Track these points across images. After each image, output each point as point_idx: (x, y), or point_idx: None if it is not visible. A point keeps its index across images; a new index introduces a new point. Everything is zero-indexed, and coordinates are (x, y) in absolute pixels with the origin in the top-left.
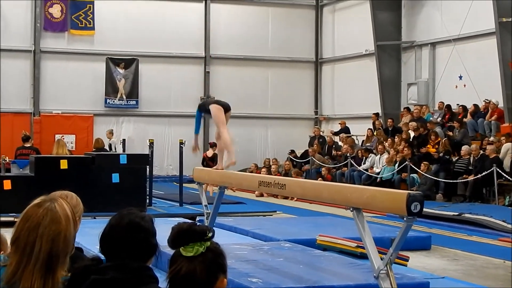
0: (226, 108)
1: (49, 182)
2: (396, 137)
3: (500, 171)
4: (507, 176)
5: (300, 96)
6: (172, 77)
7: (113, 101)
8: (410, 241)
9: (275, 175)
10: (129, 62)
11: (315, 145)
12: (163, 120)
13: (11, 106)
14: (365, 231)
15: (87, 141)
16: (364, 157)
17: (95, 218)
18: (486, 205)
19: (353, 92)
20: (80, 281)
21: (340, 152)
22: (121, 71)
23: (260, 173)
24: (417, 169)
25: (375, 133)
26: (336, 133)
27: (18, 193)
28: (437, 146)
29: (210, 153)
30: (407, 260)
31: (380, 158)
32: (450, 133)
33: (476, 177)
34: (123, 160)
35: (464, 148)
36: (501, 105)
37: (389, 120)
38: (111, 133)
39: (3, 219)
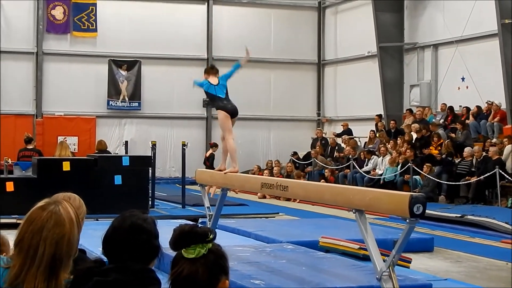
0: (233, 113)
1: (52, 184)
2: (398, 138)
3: (502, 172)
4: (509, 178)
5: (302, 98)
6: (175, 79)
7: (116, 103)
8: (412, 243)
9: (278, 177)
10: (131, 64)
11: (318, 147)
12: (166, 122)
13: (13, 108)
14: (368, 233)
15: (90, 143)
16: (366, 159)
17: (97, 220)
18: (489, 207)
19: (355, 94)
20: (82, 283)
21: (342, 154)
22: (124, 73)
23: (262, 174)
24: (420, 171)
25: (377, 135)
26: (338, 135)
27: (21, 195)
28: (439, 148)
29: (208, 153)
30: (410, 262)
31: (382, 160)
32: (453, 135)
33: (478, 178)
34: (125, 162)
35: (467, 149)
36: (503, 106)
37: (392, 122)
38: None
39: (6, 221)
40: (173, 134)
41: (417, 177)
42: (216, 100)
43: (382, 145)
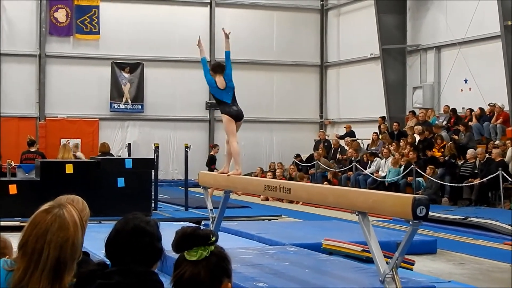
0: (237, 118)
1: (55, 186)
2: (401, 140)
3: (505, 174)
4: None
5: (305, 100)
6: (177, 81)
7: (118, 106)
8: (416, 245)
9: (280, 179)
10: (134, 66)
11: (320, 149)
12: (168, 124)
13: (16, 110)
14: (371, 235)
15: (93, 145)
16: (369, 161)
17: (100, 223)
18: (492, 208)
19: (358, 96)
20: (85, 286)
21: (345, 156)
22: (126, 75)
23: (265, 177)
24: (423, 173)
25: (380, 137)
26: (341, 137)
27: (24, 198)
28: (442, 150)
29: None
30: (413, 264)
31: (385, 162)
32: (456, 137)
33: (481, 180)
34: (128, 164)
35: (470, 151)
36: (506, 108)
37: (395, 124)
38: (76, 147)
39: (9, 223)
40: (176, 136)
41: (420, 179)
42: (222, 104)
43: (385, 147)
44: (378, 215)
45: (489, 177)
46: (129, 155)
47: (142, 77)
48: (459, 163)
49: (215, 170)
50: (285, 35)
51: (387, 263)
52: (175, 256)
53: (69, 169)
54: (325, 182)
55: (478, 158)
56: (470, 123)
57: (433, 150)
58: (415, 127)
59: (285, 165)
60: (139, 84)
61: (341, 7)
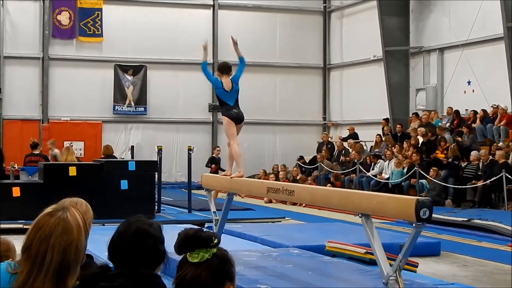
0: (237, 120)
1: (58, 189)
2: (404, 142)
3: (509, 176)
4: None
5: (308, 102)
6: (180, 83)
7: (122, 108)
8: (419, 247)
9: (283, 181)
10: (137, 69)
11: (324, 151)
12: (172, 127)
13: (20, 113)
14: (374, 237)
15: (96, 148)
16: (372, 163)
17: (104, 225)
18: (496, 210)
19: (361, 98)
20: None
21: (348, 158)
22: (130, 77)
23: (268, 179)
24: (426, 175)
25: (383, 139)
26: (344, 139)
27: (27, 200)
28: (445, 152)
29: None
30: (417, 266)
31: (388, 164)
32: (459, 139)
33: (485, 182)
34: (131, 166)
35: (473, 153)
36: (509, 110)
37: (398, 126)
38: (52, 144)
39: (12, 226)
40: (179, 138)
41: (424, 181)
42: (224, 106)
43: (388, 149)
44: (382, 217)
45: (493, 179)
46: (132, 157)
47: (145, 79)
48: (463, 165)
49: (219, 172)
50: (288, 37)
51: (390, 265)
52: (178, 258)
53: (72, 171)
54: (328, 184)
55: (481, 160)
56: (473, 125)
57: (436, 152)
58: (418, 129)
59: (288, 167)
60: (142, 86)
61: (344, 9)
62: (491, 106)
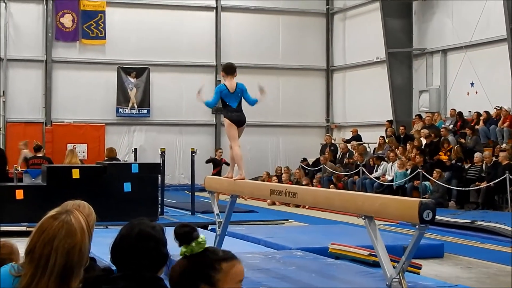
0: (238, 123)
1: (61, 191)
2: (408, 144)
3: None
4: None
5: (311, 104)
6: (183, 86)
7: (125, 110)
8: (422, 249)
9: (287, 183)
10: (140, 71)
11: (327, 153)
12: (175, 129)
13: (23, 115)
14: (377, 239)
15: (99, 150)
16: (376, 165)
17: (107, 228)
18: (499, 212)
19: (364, 100)
20: None
21: (351, 160)
22: (133, 80)
23: (271, 181)
24: (429, 177)
25: (387, 141)
26: (347, 141)
27: (30, 203)
28: (449, 154)
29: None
30: (420, 268)
31: (392, 165)
32: (462, 140)
33: (488, 184)
34: (135, 169)
35: (477, 155)
36: None
37: (401, 128)
38: (25, 144)
39: (16, 228)
40: (182, 141)
41: (427, 183)
42: (226, 107)
43: (391, 151)
44: (385, 219)
45: (496, 180)
46: (135, 160)
47: (148, 82)
48: (466, 167)
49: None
50: (291, 39)
51: (394, 267)
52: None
53: (75, 174)
54: (331, 186)
55: (485, 162)
56: (476, 127)
57: (440, 153)
58: (421, 130)
59: (291, 169)
60: (145, 89)
61: (347, 11)
62: (494, 108)
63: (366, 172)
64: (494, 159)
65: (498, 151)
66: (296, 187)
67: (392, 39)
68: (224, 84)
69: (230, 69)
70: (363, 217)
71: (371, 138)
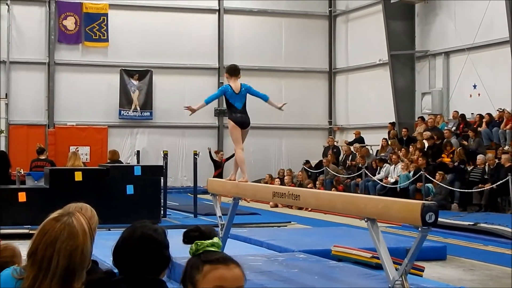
0: (242, 125)
1: (64, 194)
2: (410, 146)
3: None
4: None
5: (314, 106)
6: (186, 88)
7: (127, 113)
8: (425, 251)
9: (289, 185)
10: (143, 74)
11: (329, 155)
12: (177, 131)
13: (26, 118)
14: (380, 241)
15: (102, 152)
16: (378, 167)
17: (110, 230)
18: (502, 214)
19: (367, 102)
20: None
21: (354, 162)
22: (135, 82)
23: (274, 183)
24: (432, 179)
25: (389, 143)
26: (350, 143)
27: (33, 205)
28: (451, 156)
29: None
30: (423, 271)
31: (394, 168)
32: (465, 142)
33: (491, 186)
34: (137, 171)
35: (480, 157)
36: None
37: (404, 130)
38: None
39: (18, 231)
40: (184, 143)
41: (430, 185)
42: (231, 109)
43: (394, 153)
44: (387, 221)
45: (499, 182)
46: (138, 162)
47: (151, 84)
48: (469, 169)
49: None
50: (294, 42)
51: (396, 269)
52: (183, 263)
53: (78, 176)
54: (333, 189)
55: (488, 164)
56: (479, 129)
57: (442, 156)
58: (424, 133)
59: (294, 172)
60: (148, 91)
61: (349, 13)
62: (497, 110)
63: (369, 174)
64: (497, 161)
65: (501, 153)
66: (299, 189)
67: (395, 41)
68: (229, 85)
69: (234, 71)
70: (365, 219)
71: (374, 140)
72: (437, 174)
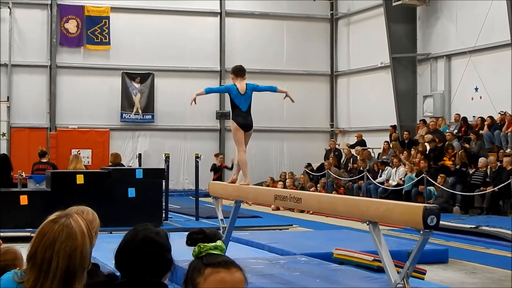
0: (244, 127)
1: (66, 197)
2: (412, 149)
3: None
4: None
5: (315, 109)
6: (188, 91)
7: (129, 116)
8: (427, 254)
9: (291, 188)
10: (144, 77)
11: (331, 158)
12: (179, 134)
13: (27, 121)
14: (382, 244)
15: (103, 155)
16: (380, 170)
17: (111, 233)
18: (504, 217)
19: (368, 105)
20: None
21: (356, 165)
22: (137, 85)
23: (276, 186)
24: (434, 182)
25: (391, 146)
26: (352, 146)
27: (35, 209)
28: (453, 159)
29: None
30: (424, 274)
31: (396, 171)
32: (467, 145)
33: (493, 189)
34: (139, 174)
35: (481, 160)
36: None
37: (405, 133)
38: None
39: (20, 234)
40: (186, 146)
41: (431, 188)
42: (235, 110)
43: (395, 156)
44: (389, 225)
45: (501, 185)
46: (139, 165)
47: (153, 87)
48: (470, 172)
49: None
50: (295, 45)
51: (398, 272)
52: (185, 266)
53: (79, 179)
54: (334, 192)
55: (489, 167)
56: (481, 132)
57: (444, 158)
58: (426, 135)
59: (296, 175)
60: (149, 94)
61: (351, 16)
62: (499, 113)
63: (371, 178)
64: (498, 164)
65: (502, 156)
66: (300, 192)
67: (396, 44)
68: (235, 85)
69: (239, 71)
70: (367, 222)
71: (376, 143)
72: (438, 177)
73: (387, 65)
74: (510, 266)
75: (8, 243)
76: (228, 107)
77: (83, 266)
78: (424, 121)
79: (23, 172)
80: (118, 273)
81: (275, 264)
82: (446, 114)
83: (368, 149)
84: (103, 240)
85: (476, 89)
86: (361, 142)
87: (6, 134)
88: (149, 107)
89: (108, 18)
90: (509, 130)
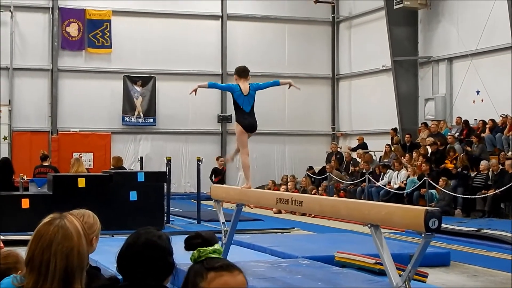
0: (248, 129)
1: (67, 200)
2: (414, 152)
3: None
4: None
5: (317, 112)
6: (189, 94)
7: (131, 119)
8: (429, 257)
9: (292, 191)
10: (146, 80)
11: (333, 161)
12: (181, 138)
13: (29, 124)
14: (383, 247)
15: (105, 159)
16: (382, 173)
17: (113, 236)
18: (505, 220)
19: (370, 108)
20: None
21: (357, 168)
22: (138, 88)
23: (278, 189)
24: (436, 185)
25: (392, 149)
26: (353, 149)
27: (36, 212)
28: (455, 162)
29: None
30: (426, 277)
31: (398, 174)
32: (468, 148)
33: (495, 192)
34: (140, 178)
35: (483, 163)
36: None
37: (407, 136)
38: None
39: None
40: (188, 149)
41: (433, 191)
42: (238, 111)
43: (396, 159)
44: (391, 228)
45: (502, 188)
46: (141, 168)
47: (154, 90)
48: (472, 175)
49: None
50: (297, 48)
51: (400, 275)
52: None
53: (81, 183)
54: (334, 195)
55: (491, 170)
56: (482, 135)
57: (446, 161)
58: (427, 138)
59: (297, 178)
60: (151, 97)
61: (352, 20)
62: (500, 116)
63: (373, 180)
64: (500, 167)
65: (504, 159)
66: (302, 195)
67: (398, 47)
68: (239, 85)
69: (243, 72)
70: (369, 225)
71: (377, 146)
72: (440, 180)
73: (389, 68)
74: (511, 269)
75: (10, 246)
76: (229, 111)
77: (81, 266)
78: (425, 124)
79: (25, 176)
80: (120, 277)
81: (277, 267)
82: (447, 117)
83: (370, 152)
84: (104, 244)
85: (478, 92)
86: (363, 145)
87: (7, 138)
88: (150, 110)
89: (109, 21)
90: (511, 133)
